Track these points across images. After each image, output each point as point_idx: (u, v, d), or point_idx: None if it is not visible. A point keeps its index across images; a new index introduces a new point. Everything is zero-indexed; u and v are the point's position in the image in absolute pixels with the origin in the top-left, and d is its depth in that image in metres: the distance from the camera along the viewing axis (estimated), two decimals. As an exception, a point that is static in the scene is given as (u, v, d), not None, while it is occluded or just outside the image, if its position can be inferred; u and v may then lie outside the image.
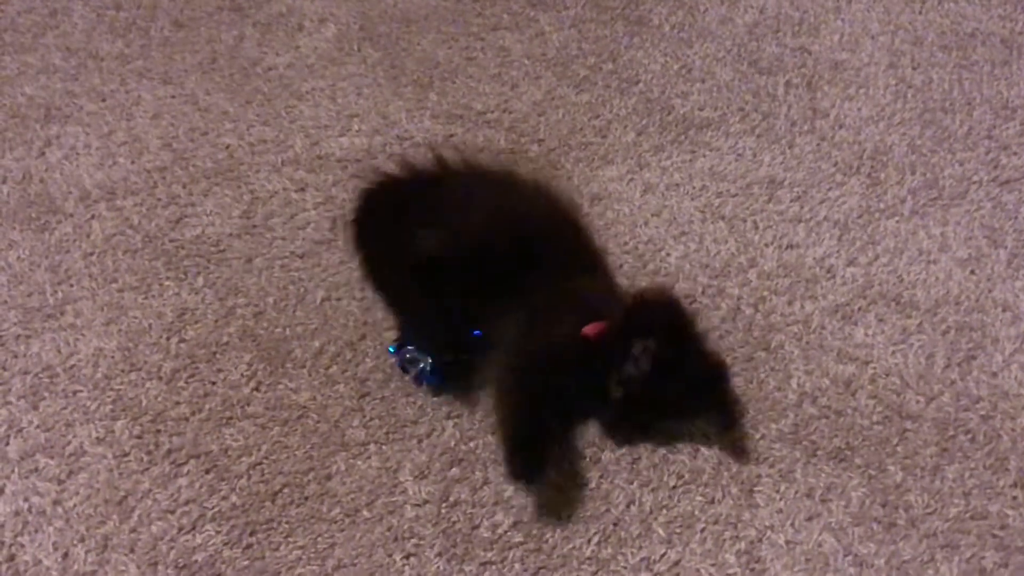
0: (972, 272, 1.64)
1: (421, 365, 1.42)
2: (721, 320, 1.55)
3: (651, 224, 1.70)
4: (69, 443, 1.37)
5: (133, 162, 1.78)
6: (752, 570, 1.27)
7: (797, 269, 1.63)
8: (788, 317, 1.56)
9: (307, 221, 1.69)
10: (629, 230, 1.69)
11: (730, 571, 1.26)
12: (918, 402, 1.45)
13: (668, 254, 1.65)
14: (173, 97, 1.93)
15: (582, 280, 1.47)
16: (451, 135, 1.87)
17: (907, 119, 1.93)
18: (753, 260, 1.65)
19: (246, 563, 1.26)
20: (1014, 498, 1.34)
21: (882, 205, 1.75)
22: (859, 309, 1.57)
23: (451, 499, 1.32)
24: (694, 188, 1.78)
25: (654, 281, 1.59)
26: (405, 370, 1.43)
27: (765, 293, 1.60)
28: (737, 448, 1.39)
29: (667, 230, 1.69)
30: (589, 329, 1.34)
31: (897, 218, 1.73)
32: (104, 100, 1.92)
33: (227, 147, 1.82)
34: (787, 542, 1.29)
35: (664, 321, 1.34)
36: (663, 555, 1.28)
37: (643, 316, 1.35)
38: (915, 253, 1.67)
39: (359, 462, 1.36)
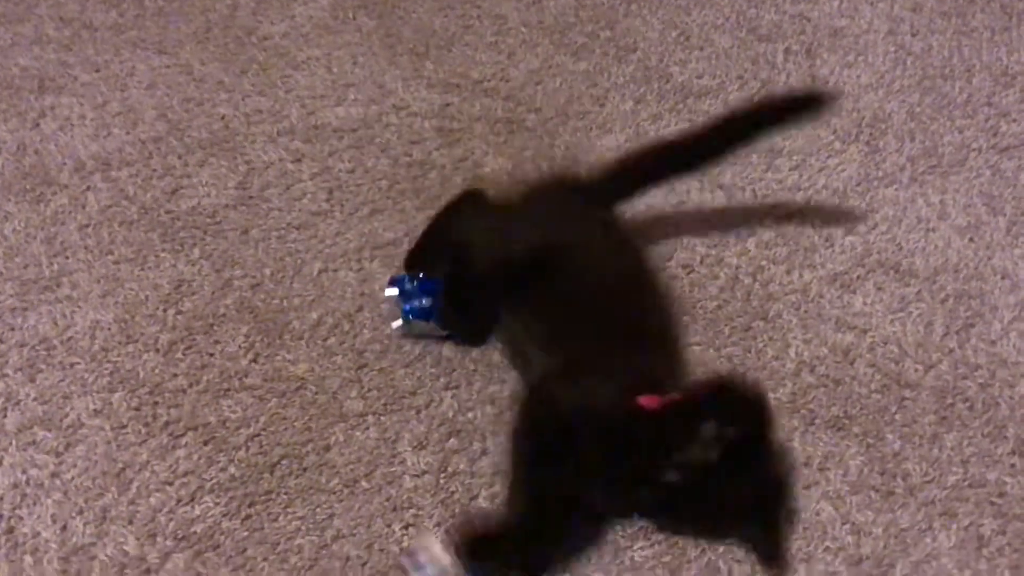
0: (971, 240, 1.63)
1: (416, 303, 1.43)
2: (719, 290, 1.55)
3: (649, 193, 1.69)
4: (67, 415, 1.37)
5: (128, 133, 1.77)
6: (750, 539, 1.27)
7: (796, 238, 1.63)
8: (786, 286, 1.56)
9: (303, 192, 1.68)
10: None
11: (728, 540, 1.26)
12: (916, 370, 1.45)
13: (666, 224, 1.64)
14: (168, 67, 1.92)
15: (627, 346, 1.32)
16: (448, 104, 1.86)
17: (906, 86, 1.92)
18: (752, 229, 1.64)
19: (245, 534, 1.26)
20: (1012, 466, 1.34)
21: (881, 173, 1.74)
22: (857, 278, 1.57)
23: (449, 470, 1.32)
24: (692, 157, 1.77)
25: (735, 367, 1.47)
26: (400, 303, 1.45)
27: (764, 262, 1.59)
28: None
29: (665, 199, 1.68)
30: (648, 400, 1.19)
31: (896, 186, 1.72)
32: (98, 71, 1.91)
33: (222, 117, 1.81)
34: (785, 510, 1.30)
35: (748, 412, 1.17)
36: (661, 524, 1.28)
37: (724, 400, 1.18)
38: (914, 221, 1.66)
39: (357, 433, 1.36)
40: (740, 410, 1.16)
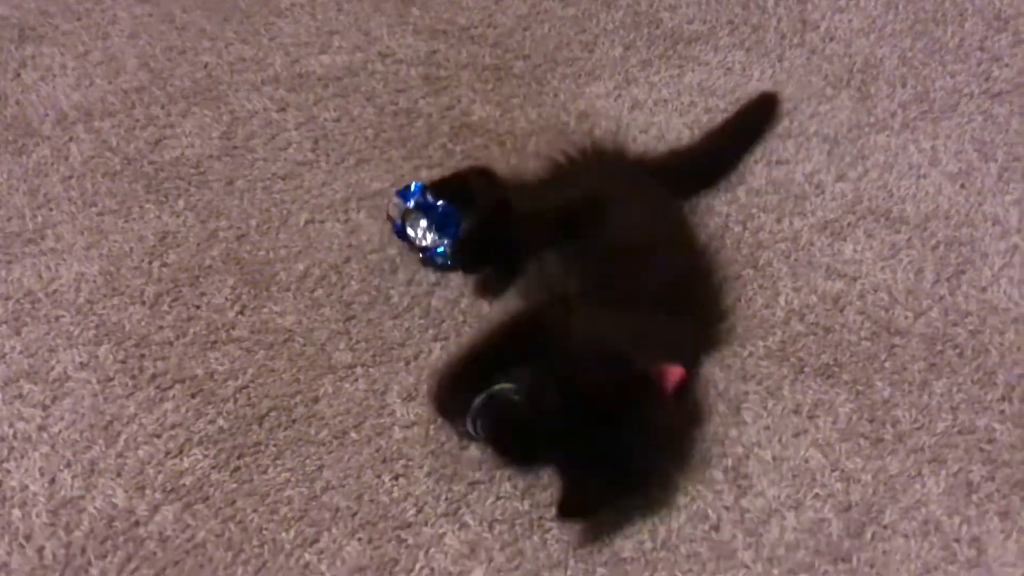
0: (962, 186, 1.62)
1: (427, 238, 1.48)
2: (709, 238, 1.54)
3: (639, 141, 1.68)
4: (53, 368, 1.36)
5: (110, 82, 1.75)
6: (739, 486, 1.27)
7: (786, 185, 1.62)
8: (777, 234, 1.55)
9: (288, 142, 1.66)
10: (616, 147, 1.67)
11: (717, 487, 1.27)
12: (906, 318, 1.45)
13: (656, 171, 1.63)
14: (150, 15, 1.89)
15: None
16: (434, 51, 1.83)
17: (898, 31, 1.90)
18: (742, 177, 1.63)
19: (234, 486, 1.26)
20: (1001, 412, 1.35)
21: (872, 119, 1.73)
22: (848, 225, 1.56)
23: (439, 420, 1.32)
24: (682, 104, 1.75)
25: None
26: (400, 228, 1.49)
27: (754, 210, 1.58)
28: None
29: (655, 147, 1.67)
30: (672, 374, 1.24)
31: (887, 132, 1.71)
32: (79, 19, 1.88)
33: (205, 66, 1.79)
34: (774, 458, 1.30)
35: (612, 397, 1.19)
36: (651, 473, 1.28)
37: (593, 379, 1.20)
38: (905, 167, 1.65)
39: (346, 385, 1.36)
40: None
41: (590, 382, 1.19)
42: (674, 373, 1.24)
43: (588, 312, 1.31)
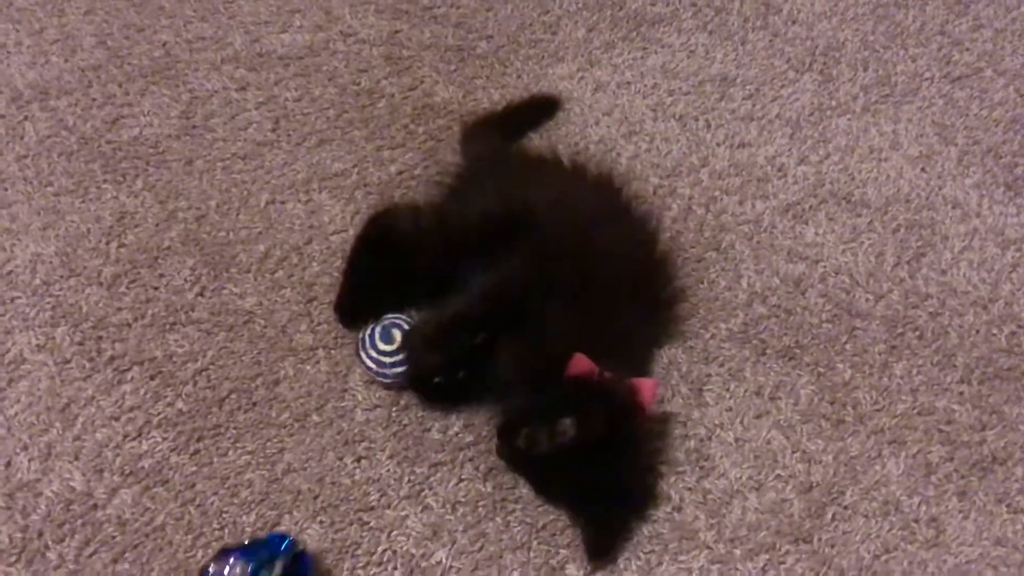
0: (923, 169, 1.63)
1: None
2: (672, 221, 1.54)
3: (602, 123, 1.68)
4: (8, 351, 1.34)
5: (66, 60, 1.72)
6: (701, 468, 1.28)
7: (749, 168, 1.62)
8: (739, 217, 1.55)
9: (249, 121, 1.64)
10: (580, 130, 1.66)
11: (679, 469, 1.27)
12: (867, 300, 1.45)
13: (619, 154, 1.63)
14: (106, -8, 1.86)
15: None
16: (397, 31, 1.81)
17: (860, 14, 1.90)
18: (705, 159, 1.63)
19: (194, 469, 1.24)
20: (960, 394, 1.36)
21: (834, 103, 1.73)
22: (810, 208, 1.57)
23: (402, 403, 1.32)
24: (645, 86, 1.75)
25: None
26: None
27: (716, 193, 1.58)
28: None
29: (618, 129, 1.67)
30: (578, 361, 1.21)
31: (849, 116, 1.71)
32: (34, -5, 1.84)
33: (164, 44, 1.76)
34: (736, 440, 1.30)
35: (605, 422, 1.16)
36: (614, 455, 1.28)
37: (589, 405, 1.17)
38: (866, 151, 1.66)
39: (308, 367, 1.35)
40: (597, 419, 1.16)
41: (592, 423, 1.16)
42: (648, 386, 1.23)
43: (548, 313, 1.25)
